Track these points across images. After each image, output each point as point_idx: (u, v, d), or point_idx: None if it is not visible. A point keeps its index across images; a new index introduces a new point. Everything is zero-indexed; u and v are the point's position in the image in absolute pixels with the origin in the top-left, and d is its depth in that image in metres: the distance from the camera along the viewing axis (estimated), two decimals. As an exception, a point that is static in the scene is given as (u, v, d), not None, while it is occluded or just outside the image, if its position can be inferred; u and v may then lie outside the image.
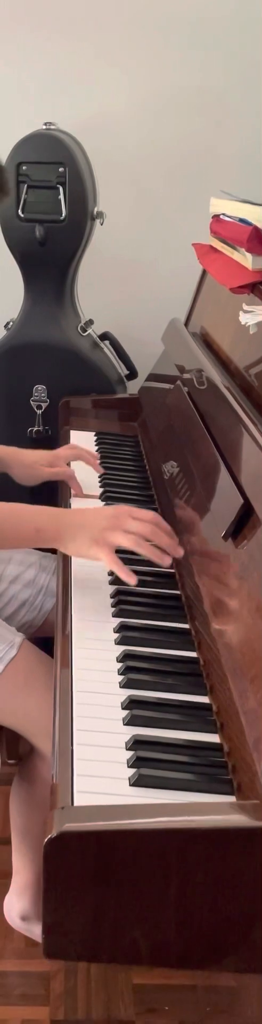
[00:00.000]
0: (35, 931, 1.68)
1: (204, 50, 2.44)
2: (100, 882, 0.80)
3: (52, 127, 2.24)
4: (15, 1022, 1.60)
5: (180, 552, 1.29)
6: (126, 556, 1.28)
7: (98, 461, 1.79)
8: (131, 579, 1.23)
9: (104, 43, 2.46)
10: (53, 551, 1.58)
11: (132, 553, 1.29)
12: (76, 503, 1.63)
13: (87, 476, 1.72)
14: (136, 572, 1.26)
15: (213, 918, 0.81)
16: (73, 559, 1.37)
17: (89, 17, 2.44)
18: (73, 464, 1.75)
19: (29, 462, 1.73)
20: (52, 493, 1.71)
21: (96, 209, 2.28)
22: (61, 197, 2.17)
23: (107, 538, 1.27)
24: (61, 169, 2.17)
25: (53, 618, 1.40)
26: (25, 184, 2.18)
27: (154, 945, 0.83)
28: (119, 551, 1.28)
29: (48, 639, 1.58)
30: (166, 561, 1.27)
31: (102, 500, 1.65)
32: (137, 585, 1.25)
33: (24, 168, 2.18)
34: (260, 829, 0.81)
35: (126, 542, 1.27)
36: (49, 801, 0.87)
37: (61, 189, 2.17)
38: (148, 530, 1.28)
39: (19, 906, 1.68)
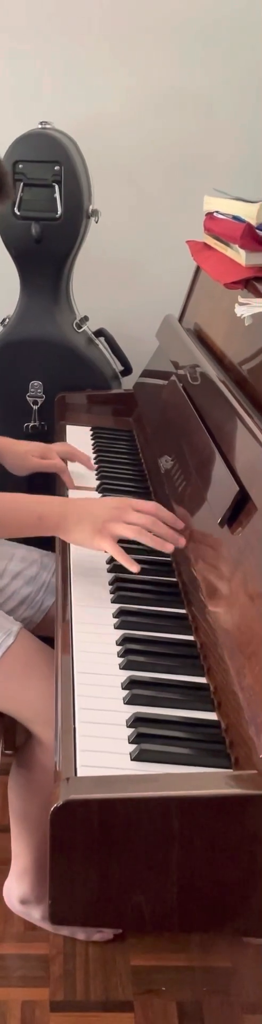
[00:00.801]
0: (34, 914, 1.71)
1: (201, 51, 2.46)
2: (104, 849, 0.83)
3: (48, 126, 2.26)
4: (15, 1004, 1.61)
5: (182, 542, 1.30)
6: (127, 545, 1.31)
7: (92, 460, 1.81)
8: (134, 567, 1.26)
9: (100, 43, 2.47)
10: (55, 549, 1.59)
11: (133, 542, 1.31)
12: (75, 494, 1.64)
13: (84, 470, 1.75)
14: (135, 560, 1.29)
15: (213, 883, 0.85)
16: (72, 549, 1.38)
17: (84, 17, 2.45)
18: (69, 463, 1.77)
19: (20, 451, 1.73)
20: (48, 487, 1.73)
21: (91, 207, 2.29)
22: (57, 195, 2.18)
23: (110, 529, 1.29)
24: (57, 168, 2.18)
25: (53, 614, 1.40)
26: (21, 182, 2.19)
27: (156, 910, 0.85)
28: (121, 541, 1.30)
29: (47, 637, 1.59)
30: (167, 548, 1.29)
31: (99, 492, 1.67)
32: (137, 572, 1.28)
33: (20, 166, 2.19)
34: (257, 797, 0.84)
35: (128, 532, 1.29)
36: (52, 784, 0.89)
37: (57, 187, 2.18)
38: (149, 521, 1.30)
39: (18, 890, 1.70)
